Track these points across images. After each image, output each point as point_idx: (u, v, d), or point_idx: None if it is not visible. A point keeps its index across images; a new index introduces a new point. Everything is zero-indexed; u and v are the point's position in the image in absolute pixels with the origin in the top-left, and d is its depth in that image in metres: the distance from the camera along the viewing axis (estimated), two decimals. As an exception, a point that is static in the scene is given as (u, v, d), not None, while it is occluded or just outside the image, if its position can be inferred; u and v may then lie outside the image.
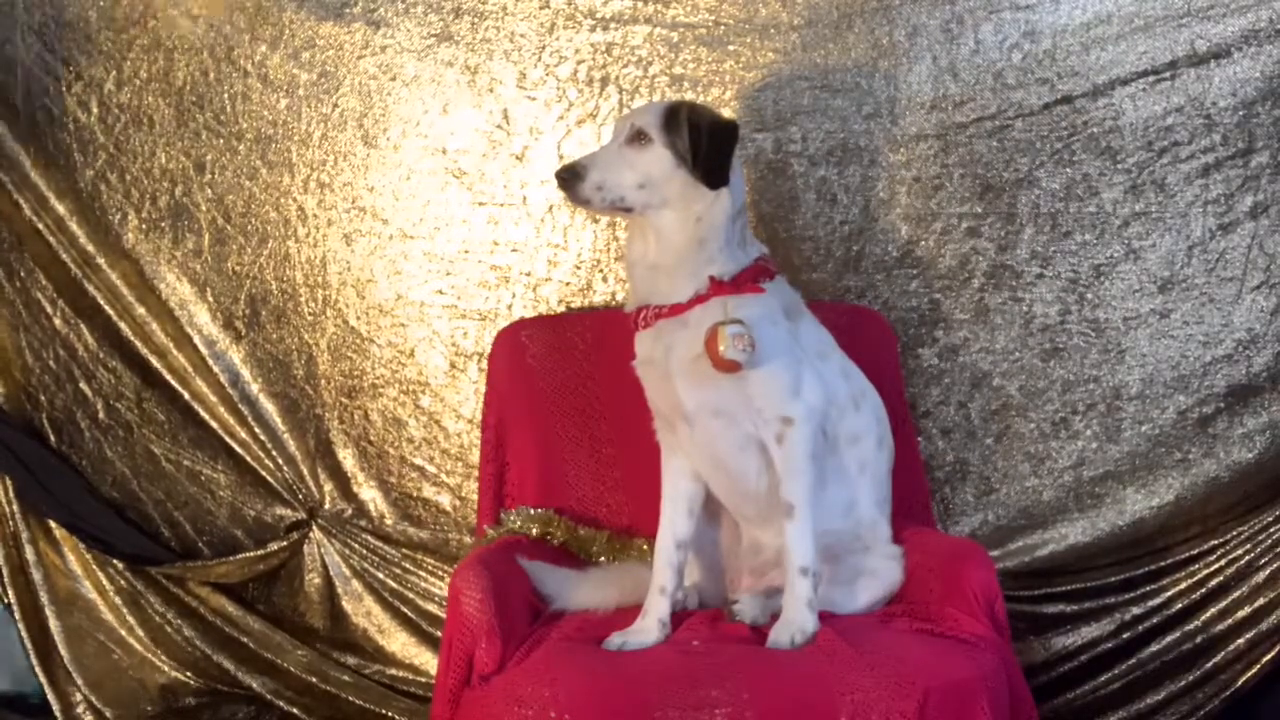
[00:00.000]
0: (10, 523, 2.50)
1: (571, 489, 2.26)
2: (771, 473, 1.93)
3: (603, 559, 2.21)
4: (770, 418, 1.91)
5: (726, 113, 2.37)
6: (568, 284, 2.50)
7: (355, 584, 2.56)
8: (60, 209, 2.46)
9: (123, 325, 2.48)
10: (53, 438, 2.51)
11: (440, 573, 2.50)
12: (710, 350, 1.85)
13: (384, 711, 2.49)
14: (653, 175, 1.91)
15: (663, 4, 2.45)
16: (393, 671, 2.54)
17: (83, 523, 2.47)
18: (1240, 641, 2.47)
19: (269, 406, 2.54)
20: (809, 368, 1.95)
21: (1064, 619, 2.53)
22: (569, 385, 2.29)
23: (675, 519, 2.00)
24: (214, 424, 2.52)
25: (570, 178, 1.90)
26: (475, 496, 2.40)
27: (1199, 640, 2.49)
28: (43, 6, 2.43)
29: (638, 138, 1.92)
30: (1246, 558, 2.49)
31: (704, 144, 1.92)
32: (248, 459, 2.53)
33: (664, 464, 2.02)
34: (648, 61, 2.47)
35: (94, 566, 2.52)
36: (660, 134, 1.92)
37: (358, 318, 2.53)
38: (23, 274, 2.48)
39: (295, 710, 2.51)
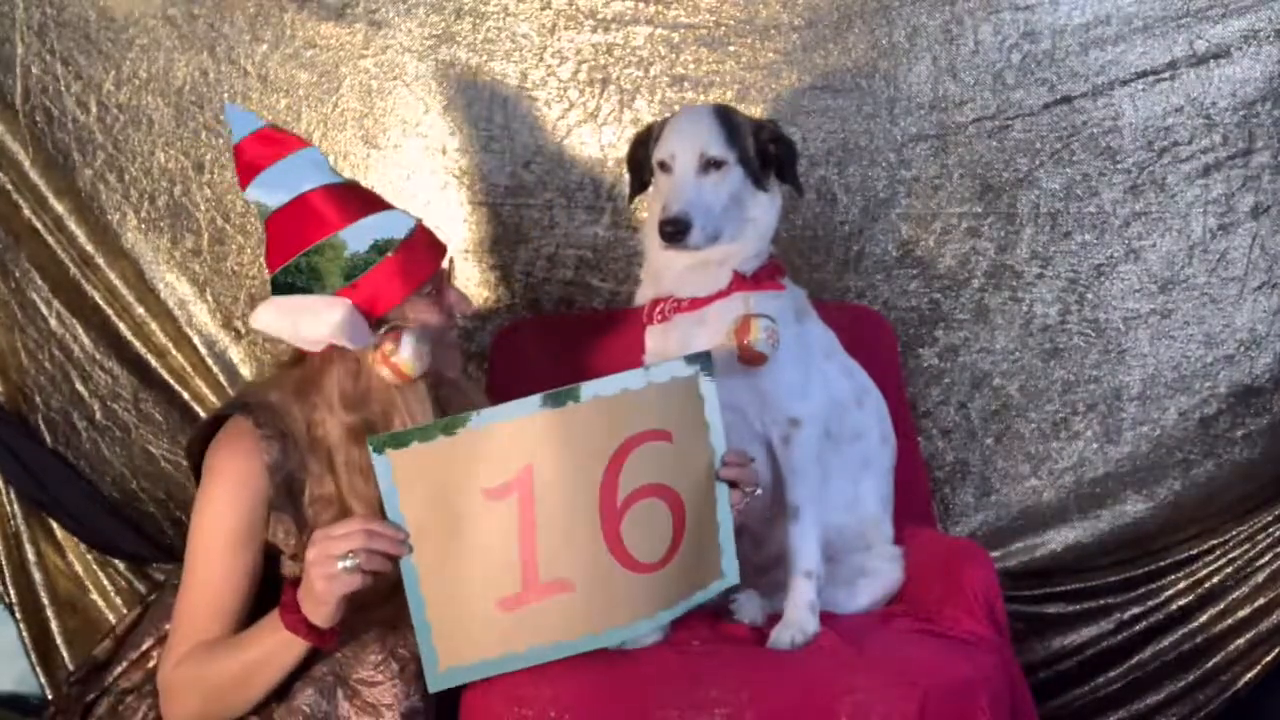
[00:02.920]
0: (11, 523, 2.50)
1: (571, 489, 2.25)
2: (776, 470, 1.93)
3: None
4: (779, 418, 1.91)
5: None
6: (568, 284, 2.50)
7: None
8: (59, 208, 2.46)
9: (121, 325, 2.48)
10: (48, 438, 2.51)
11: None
12: (739, 341, 1.85)
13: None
14: (733, 194, 1.90)
15: (664, 5, 2.45)
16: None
17: (83, 523, 2.47)
18: (1240, 642, 2.47)
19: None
20: (816, 370, 1.96)
21: (1064, 619, 2.53)
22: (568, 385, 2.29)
23: (676, 518, 2.00)
24: (214, 424, 2.52)
25: (678, 231, 1.84)
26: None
27: (1199, 640, 2.49)
28: (42, 6, 2.43)
29: (711, 165, 1.89)
30: (1246, 558, 2.49)
31: (783, 157, 1.95)
32: (248, 458, 2.53)
33: (666, 462, 2.02)
34: (649, 62, 2.47)
35: (95, 567, 2.52)
36: (730, 152, 1.90)
37: (358, 317, 2.53)
38: (18, 274, 2.48)
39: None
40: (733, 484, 1.76)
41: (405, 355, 1.71)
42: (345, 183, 1.78)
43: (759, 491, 1.80)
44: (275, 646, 1.64)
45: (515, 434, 1.57)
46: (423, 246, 1.78)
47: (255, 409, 1.77)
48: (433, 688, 1.61)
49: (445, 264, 1.83)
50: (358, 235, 1.72)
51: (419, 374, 1.73)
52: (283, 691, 1.71)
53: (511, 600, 1.59)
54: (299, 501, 1.75)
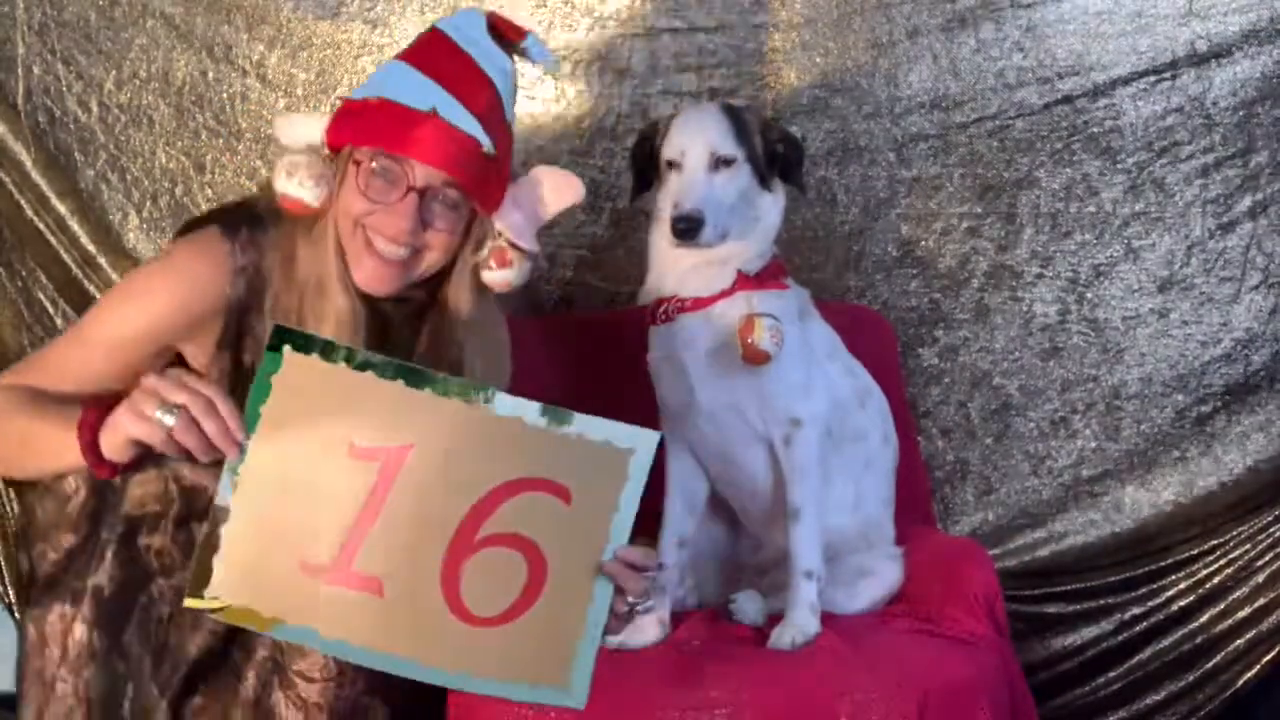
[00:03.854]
0: (10, 522, 2.49)
1: (571, 489, 2.25)
2: (778, 471, 1.94)
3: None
4: (781, 418, 1.91)
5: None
6: (567, 284, 2.50)
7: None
8: (61, 209, 2.46)
9: (123, 325, 2.48)
10: (53, 437, 2.51)
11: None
12: (742, 340, 1.85)
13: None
14: (742, 192, 1.90)
15: (661, 3, 2.45)
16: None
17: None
18: (1240, 642, 2.47)
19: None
20: (818, 370, 1.96)
21: (1064, 619, 2.53)
22: (568, 385, 2.28)
23: (678, 517, 2.00)
24: (214, 423, 2.52)
25: (692, 228, 1.83)
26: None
27: (1199, 640, 2.49)
28: (43, 6, 2.43)
29: (721, 162, 1.89)
30: (1246, 558, 2.49)
31: (790, 156, 1.93)
32: (248, 458, 2.53)
33: (669, 462, 2.01)
34: (647, 61, 2.46)
35: (94, 566, 2.52)
36: (739, 150, 1.89)
37: (358, 317, 2.53)
38: (24, 274, 2.48)
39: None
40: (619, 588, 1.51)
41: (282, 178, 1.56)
42: (481, 65, 1.61)
43: (645, 607, 1.57)
44: (62, 435, 1.45)
45: (418, 406, 1.40)
46: (424, 129, 1.54)
47: (247, 230, 1.62)
48: (188, 602, 1.42)
49: (441, 182, 1.58)
50: (398, 71, 1.58)
51: (296, 203, 1.58)
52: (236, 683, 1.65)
53: (316, 569, 1.41)
54: (243, 344, 1.62)
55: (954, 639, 1.83)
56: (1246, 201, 2.47)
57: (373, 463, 1.40)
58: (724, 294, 1.91)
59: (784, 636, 1.83)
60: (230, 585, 1.40)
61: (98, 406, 1.44)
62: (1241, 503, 2.51)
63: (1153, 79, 2.44)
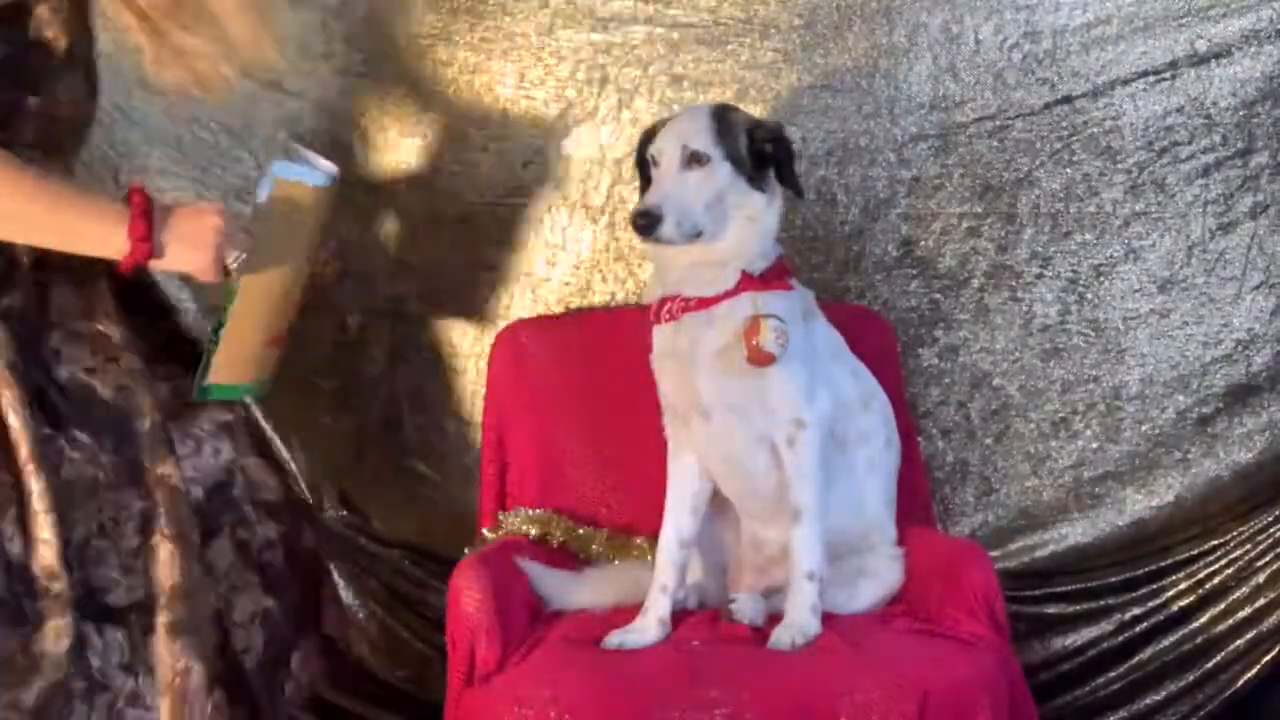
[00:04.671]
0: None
1: (572, 489, 2.26)
2: (781, 471, 1.93)
3: (602, 557, 2.21)
4: (784, 419, 1.91)
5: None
6: (567, 284, 2.50)
7: (351, 588, 2.54)
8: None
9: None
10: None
11: (439, 576, 2.49)
12: (748, 341, 1.85)
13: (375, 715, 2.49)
14: (719, 191, 1.89)
15: (662, 3, 2.45)
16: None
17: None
18: (1240, 642, 2.47)
19: (262, 409, 2.53)
20: (822, 371, 1.96)
21: (1064, 619, 2.53)
22: (569, 385, 2.29)
23: (680, 517, 2.00)
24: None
25: (649, 224, 1.84)
26: (471, 499, 2.39)
27: (1199, 640, 2.49)
28: (42, 6, 2.43)
29: (694, 160, 1.89)
30: (1247, 558, 2.49)
31: (780, 156, 1.93)
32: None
33: (671, 461, 2.02)
34: (647, 61, 2.46)
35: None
36: (716, 149, 1.89)
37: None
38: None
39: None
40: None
41: None
42: None
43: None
44: (100, 228, 1.44)
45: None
46: None
47: None
48: (196, 397, 1.59)
49: None
50: None
51: None
52: None
53: (276, 339, 1.68)
54: None
55: (954, 639, 1.84)
56: (1247, 201, 2.46)
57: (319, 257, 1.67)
58: (728, 294, 1.91)
59: (784, 637, 1.83)
60: (223, 372, 1.60)
61: (144, 222, 1.45)
62: (1241, 503, 2.51)
63: (1153, 79, 2.44)
